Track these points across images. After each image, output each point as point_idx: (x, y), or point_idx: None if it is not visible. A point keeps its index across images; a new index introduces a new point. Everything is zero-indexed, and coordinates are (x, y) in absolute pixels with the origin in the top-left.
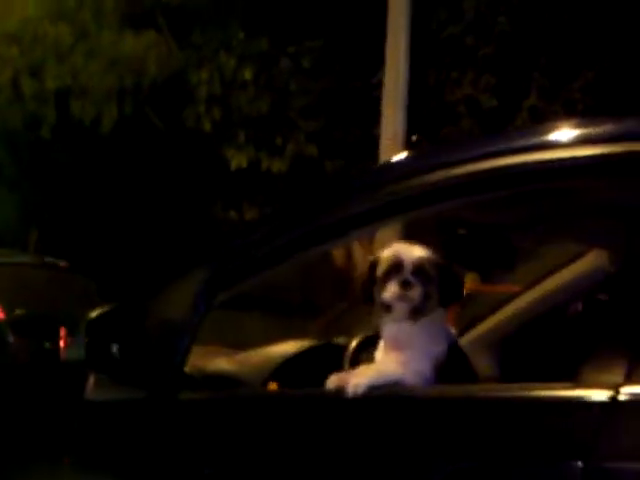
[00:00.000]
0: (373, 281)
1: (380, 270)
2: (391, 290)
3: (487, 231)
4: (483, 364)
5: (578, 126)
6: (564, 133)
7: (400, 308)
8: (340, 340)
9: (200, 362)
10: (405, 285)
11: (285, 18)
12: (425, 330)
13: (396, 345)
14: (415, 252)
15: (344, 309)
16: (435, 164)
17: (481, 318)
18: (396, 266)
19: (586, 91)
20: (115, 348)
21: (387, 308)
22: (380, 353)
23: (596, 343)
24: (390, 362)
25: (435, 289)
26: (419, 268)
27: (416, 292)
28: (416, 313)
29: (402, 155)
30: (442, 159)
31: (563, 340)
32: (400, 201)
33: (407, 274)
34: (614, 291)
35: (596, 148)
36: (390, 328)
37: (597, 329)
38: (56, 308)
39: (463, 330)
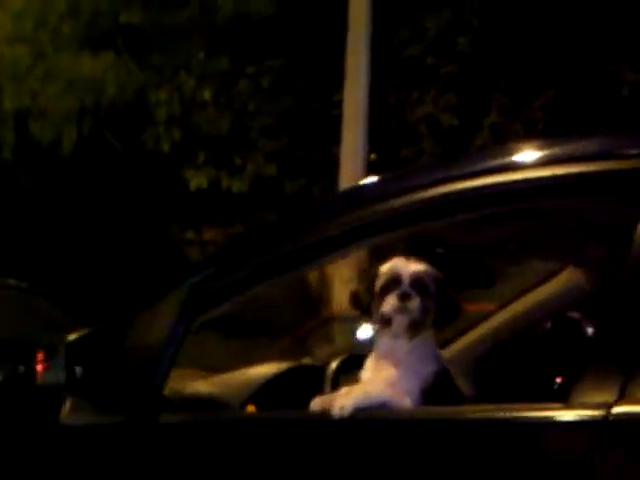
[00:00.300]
0: (371, 296)
1: (378, 284)
2: (390, 303)
3: (464, 250)
4: (458, 383)
5: (546, 146)
6: (531, 154)
7: (399, 321)
8: (308, 361)
9: (177, 385)
10: (404, 297)
11: (245, 37)
12: (418, 349)
13: (390, 361)
14: (413, 266)
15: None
16: (405, 188)
17: (456, 337)
18: (394, 280)
19: (547, 110)
20: (80, 372)
21: (386, 322)
22: (368, 372)
23: (582, 361)
24: (378, 382)
25: (433, 303)
26: (417, 281)
27: (415, 304)
28: (415, 327)
29: (370, 179)
30: (415, 181)
31: (540, 359)
32: (368, 225)
33: (405, 287)
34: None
35: (567, 167)
36: (386, 343)
37: (579, 347)
38: (18, 329)
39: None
